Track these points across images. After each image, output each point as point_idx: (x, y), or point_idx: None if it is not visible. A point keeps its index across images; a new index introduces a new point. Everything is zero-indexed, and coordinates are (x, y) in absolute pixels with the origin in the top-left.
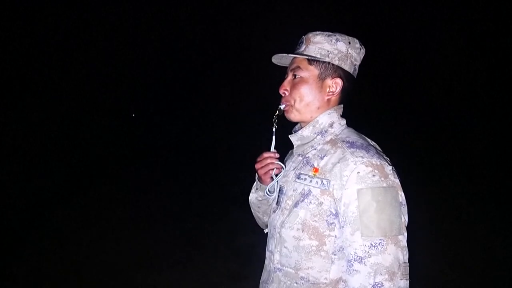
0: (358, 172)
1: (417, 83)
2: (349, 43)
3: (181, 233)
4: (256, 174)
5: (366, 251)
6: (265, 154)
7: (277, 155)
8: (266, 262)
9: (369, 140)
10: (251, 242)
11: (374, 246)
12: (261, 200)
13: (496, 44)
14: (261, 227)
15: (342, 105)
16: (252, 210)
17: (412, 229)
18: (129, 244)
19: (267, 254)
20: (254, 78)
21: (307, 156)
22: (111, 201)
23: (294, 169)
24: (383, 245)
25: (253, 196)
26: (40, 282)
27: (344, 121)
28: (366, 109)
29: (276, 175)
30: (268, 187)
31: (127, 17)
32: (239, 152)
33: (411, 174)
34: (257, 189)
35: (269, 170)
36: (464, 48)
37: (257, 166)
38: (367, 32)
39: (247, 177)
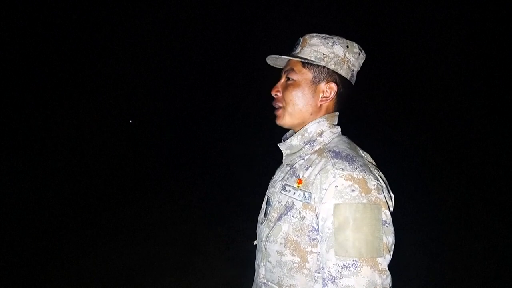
0: (336, 186)
1: (418, 83)
2: (347, 47)
3: (181, 236)
4: None
5: (338, 271)
6: None
7: None
8: (255, 274)
9: (360, 150)
10: (251, 248)
11: (346, 267)
12: None
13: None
14: None
15: (336, 113)
16: None
17: (412, 229)
18: (128, 246)
19: (256, 266)
20: (254, 78)
21: (294, 166)
22: (111, 202)
23: (281, 179)
24: (356, 267)
25: None
26: (39, 283)
27: (337, 129)
28: (366, 110)
29: None
30: None
31: (127, 18)
32: (240, 153)
33: (411, 174)
34: None
35: None
36: (472, 47)
37: None
38: (368, 31)
39: (248, 180)
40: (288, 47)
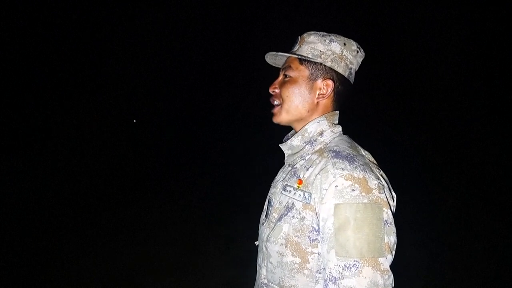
0: (336, 186)
1: (418, 83)
2: (345, 44)
3: (181, 236)
4: None
5: (340, 271)
6: None
7: None
8: (257, 275)
9: (361, 149)
10: (251, 248)
11: (347, 268)
12: None
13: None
14: None
15: (336, 112)
16: None
17: (412, 229)
18: (128, 246)
19: (257, 267)
20: (254, 78)
21: (295, 166)
22: (111, 202)
23: (282, 179)
24: (357, 267)
25: None
26: (39, 283)
27: (338, 128)
28: (366, 110)
29: None
30: None
31: (127, 18)
32: (240, 153)
33: (411, 174)
34: None
35: None
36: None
37: None
38: (368, 31)
39: (248, 180)
40: (288, 46)
